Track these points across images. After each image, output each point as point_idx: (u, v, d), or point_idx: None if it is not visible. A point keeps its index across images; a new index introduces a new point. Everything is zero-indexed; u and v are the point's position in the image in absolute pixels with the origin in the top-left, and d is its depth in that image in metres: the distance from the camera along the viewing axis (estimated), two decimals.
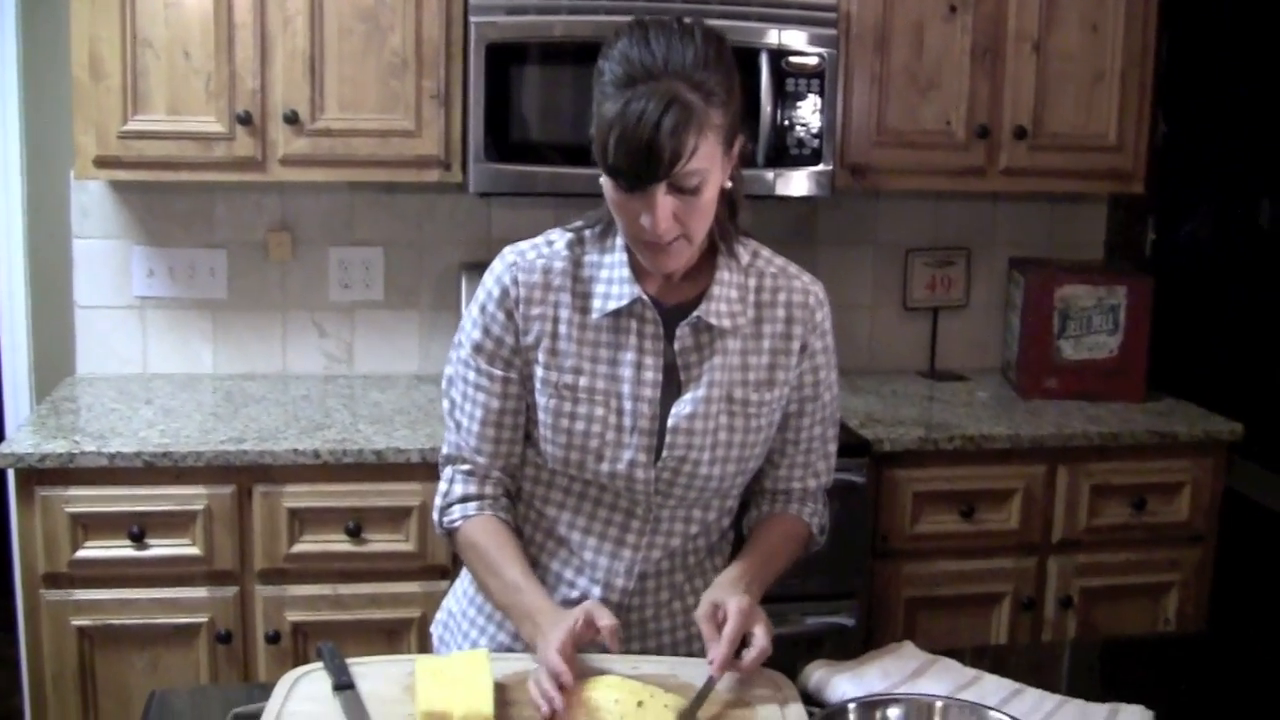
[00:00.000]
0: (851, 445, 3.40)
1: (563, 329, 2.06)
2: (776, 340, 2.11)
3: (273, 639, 3.25)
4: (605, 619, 1.91)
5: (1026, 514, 3.58)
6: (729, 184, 1.99)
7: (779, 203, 3.95)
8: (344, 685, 1.91)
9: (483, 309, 2.09)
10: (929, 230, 4.24)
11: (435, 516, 2.17)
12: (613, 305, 2.04)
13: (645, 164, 1.85)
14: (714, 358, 2.07)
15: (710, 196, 1.94)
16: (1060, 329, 3.91)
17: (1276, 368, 6.63)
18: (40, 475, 3.13)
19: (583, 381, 2.05)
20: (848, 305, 4.17)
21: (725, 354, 2.07)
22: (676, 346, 2.05)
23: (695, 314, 2.05)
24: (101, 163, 3.40)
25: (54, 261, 3.82)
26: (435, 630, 2.38)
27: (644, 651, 2.14)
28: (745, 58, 3.41)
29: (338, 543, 3.25)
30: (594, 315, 2.05)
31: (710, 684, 1.90)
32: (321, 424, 3.42)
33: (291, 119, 3.42)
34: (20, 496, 3.15)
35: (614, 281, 2.04)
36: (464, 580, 2.32)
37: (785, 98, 3.51)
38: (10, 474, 3.19)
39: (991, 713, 1.81)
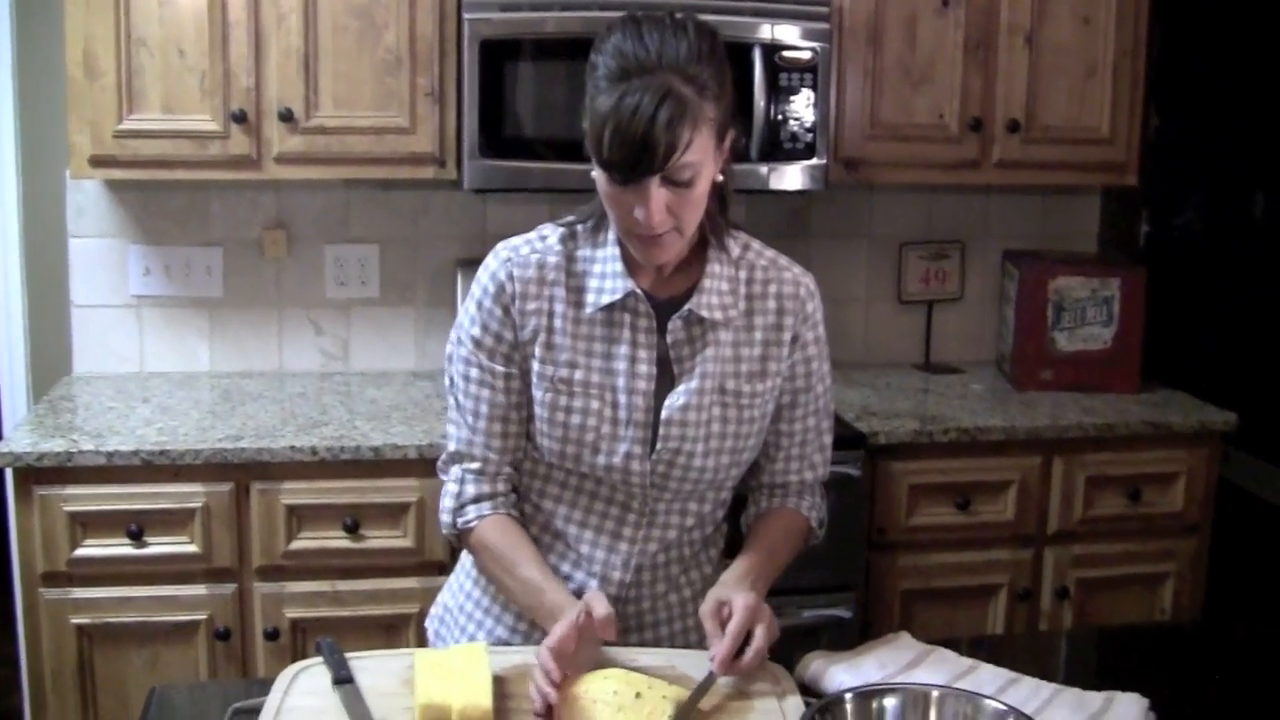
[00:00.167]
0: (847, 438, 3.41)
1: (557, 323, 2.07)
2: (768, 332, 2.12)
3: (271, 636, 3.26)
4: (600, 608, 1.92)
5: (1022, 505, 3.60)
6: (720, 177, 2.00)
7: (773, 197, 3.97)
8: (343, 679, 1.92)
9: (480, 305, 2.10)
10: (923, 223, 4.25)
11: (446, 518, 2.16)
12: (606, 299, 2.05)
13: (640, 157, 1.86)
14: (706, 350, 2.08)
15: (703, 189, 1.95)
16: (1054, 321, 3.92)
17: (1270, 358, 6.65)
18: (38, 474, 3.13)
19: (578, 375, 2.06)
20: (842, 299, 4.18)
21: (717, 346, 2.08)
22: (669, 339, 2.07)
23: (687, 307, 2.06)
24: (97, 162, 3.41)
25: (50, 261, 3.83)
26: (431, 625, 2.38)
27: (641, 643, 2.15)
28: (738, 52, 3.42)
29: (335, 539, 3.26)
30: (588, 309, 2.06)
31: (710, 679, 1.91)
32: (318, 421, 3.43)
33: (286, 117, 3.43)
34: (18, 495, 3.16)
35: (607, 276, 2.05)
36: (459, 574, 2.33)
37: (778, 92, 3.52)
38: (8, 473, 3.20)
39: (987, 701, 1.82)
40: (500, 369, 2.09)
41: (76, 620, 3.19)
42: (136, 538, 3.17)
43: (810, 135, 3.56)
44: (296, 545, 3.25)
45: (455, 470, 2.16)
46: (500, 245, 2.12)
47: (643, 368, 2.06)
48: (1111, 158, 3.88)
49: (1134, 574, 3.72)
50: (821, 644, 2.13)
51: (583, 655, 1.90)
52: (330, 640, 2.01)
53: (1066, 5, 3.78)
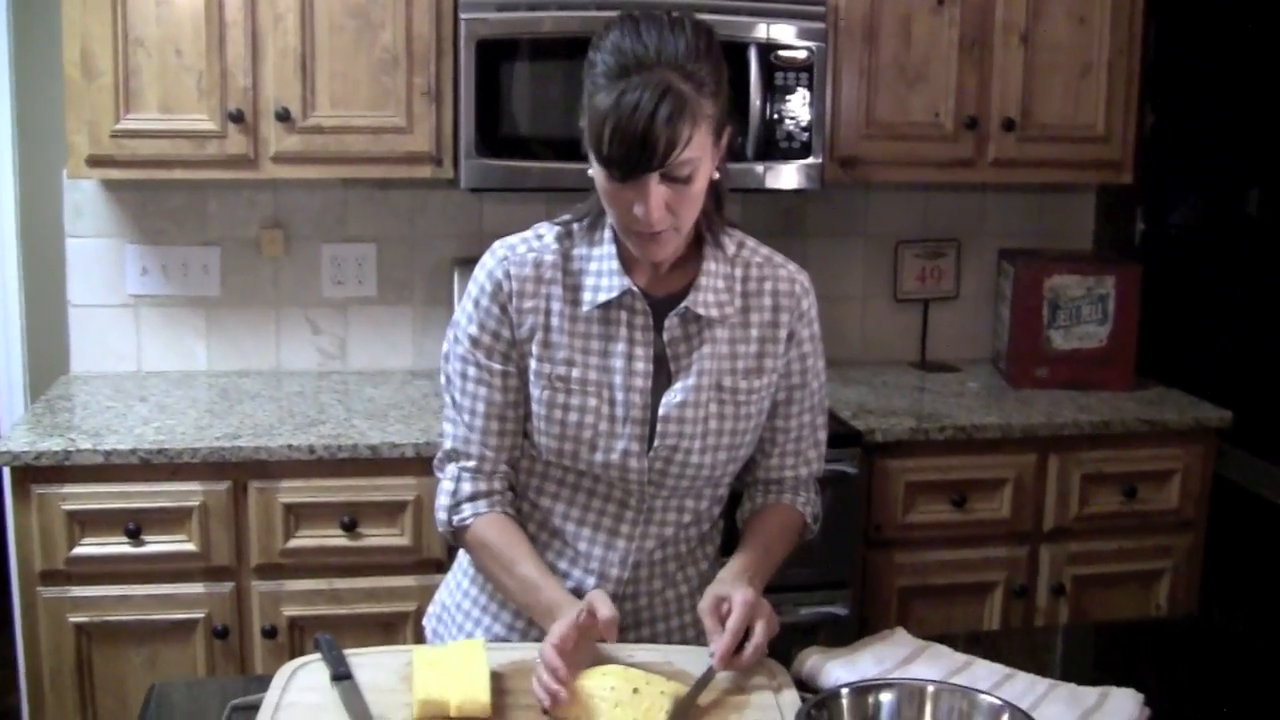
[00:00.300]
0: (844, 436, 3.42)
1: (555, 321, 2.08)
2: (764, 329, 2.13)
3: (269, 634, 3.27)
4: (604, 610, 1.92)
5: (1018, 503, 3.60)
6: (716, 175, 2.01)
7: (769, 196, 3.97)
8: (342, 676, 1.92)
9: (476, 304, 2.10)
10: (919, 222, 4.26)
11: (442, 515, 2.17)
12: (603, 297, 2.05)
13: (640, 154, 1.86)
14: (703, 347, 2.09)
15: (701, 186, 1.96)
16: (1050, 319, 3.93)
17: (1265, 356, 6.66)
18: (36, 473, 3.14)
19: (575, 373, 2.07)
20: (839, 297, 4.19)
21: (714, 343, 2.09)
22: (666, 337, 2.07)
23: (683, 304, 2.07)
24: (94, 161, 3.41)
25: (47, 260, 3.83)
26: (428, 623, 2.39)
27: (638, 640, 2.16)
28: (734, 52, 3.42)
29: (333, 537, 3.27)
30: (584, 307, 2.07)
31: (710, 674, 1.92)
32: (316, 420, 3.43)
33: (283, 116, 3.43)
34: (16, 494, 3.16)
35: (603, 274, 2.06)
36: (457, 572, 2.34)
37: (774, 91, 3.53)
38: (6, 472, 3.21)
39: (983, 697, 1.82)
40: (497, 367, 2.10)
41: (75, 619, 3.20)
42: (134, 536, 3.18)
43: (806, 134, 3.57)
44: (294, 544, 3.26)
45: (451, 468, 2.16)
46: (497, 244, 2.13)
47: (640, 365, 2.07)
48: (1106, 156, 3.89)
49: (1130, 571, 3.73)
50: (818, 641, 2.14)
51: (580, 653, 1.91)
52: (329, 637, 2.02)
53: (1061, 4, 3.79)
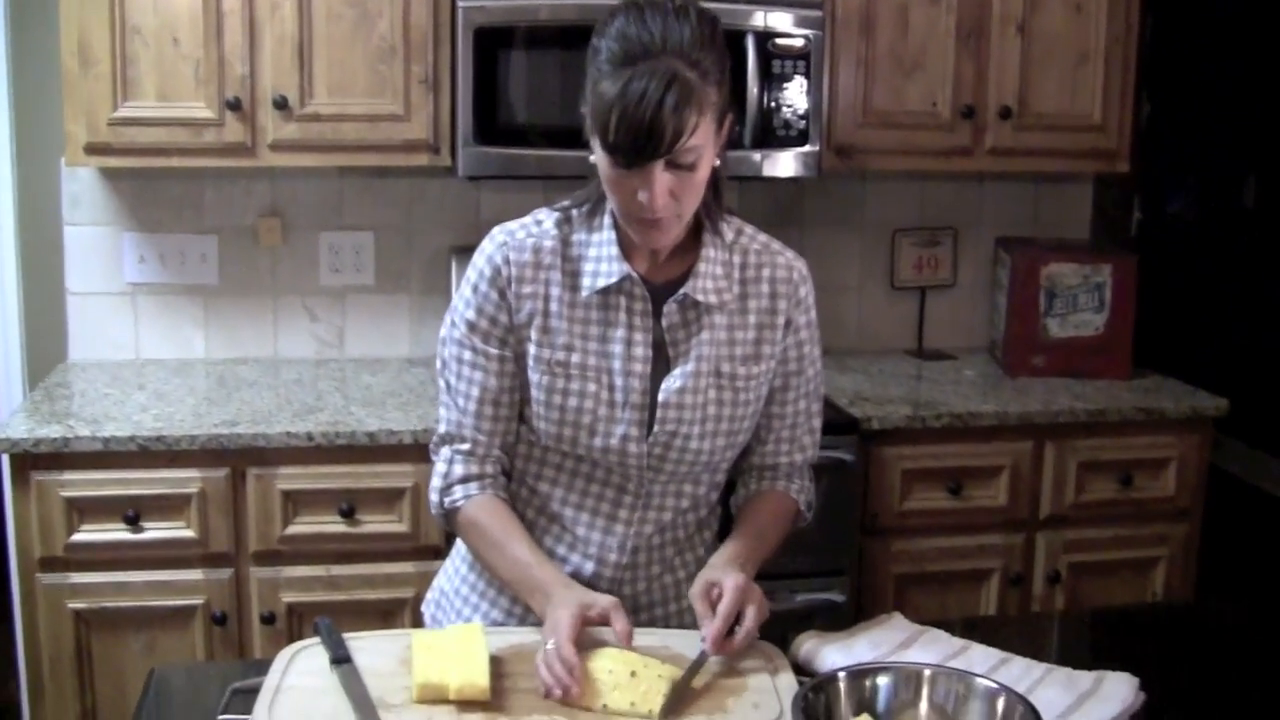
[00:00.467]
0: (840, 423, 3.43)
1: (554, 307, 2.08)
2: (762, 315, 2.14)
3: (268, 620, 3.28)
4: (620, 624, 1.93)
5: (1014, 490, 3.61)
6: (716, 162, 2.02)
7: (766, 184, 3.98)
8: (341, 659, 1.93)
9: (475, 289, 2.11)
10: (915, 210, 4.27)
11: (434, 497, 2.18)
12: (602, 283, 2.06)
13: (647, 142, 1.87)
14: (701, 333, 2.09)
15: (704, 174, 1.97)
16: (1046, 307, 3.94)
17: (1261, 345, 6.68)
18: (35, 460, 3.15)
19: (574, 358, 2.07)
20: (835, 286, 4.19)
21: (712, 330, 2.10)
22: (664, 323, 2.08)
23: (682, 291, 2.08)
24: (92, 150, 3.41)
25: (45, 249, 3.83)
26: (427, 609, 2.40)
27: (636, 625, 2.16)
28: (732, 40, 3.39)
29: (331, 524, 3.28)
30: (583, 293, 2.07)
31: (702, 658, 1.93)
32: (314, 407, 3.44)
33: (281, 104, 3.43)
34: (15, 482, 3.17)
35: (603, 259, 2.07)
36: (455, 558, 2.35)
37: (771, 79, 3.53)
38: (5, 459, 3.22)
39: (979, 680, 1.83)
40: (494, 352, 2.11)
41: (74, 605, 3.20)
42: (133, 523, 3.19)
43: (803, 122, 3.58)
44: (292, 530, 3.27)
45: (445, 451, 2.17)
46: (496, 229, 2.14)
47: (639, 351, 2.07)
48: (1103, 145, 3.90)
49: (1125, 559, 3.74)
50: (814, 628, 2.15)
51: (580, 637, 1.92)
52: (328, 621, 2.03)
53: None
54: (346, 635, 2.00)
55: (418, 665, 1.86)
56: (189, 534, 3.22)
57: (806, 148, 3.60)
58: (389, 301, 3.99)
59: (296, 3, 3.41)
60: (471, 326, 2.11)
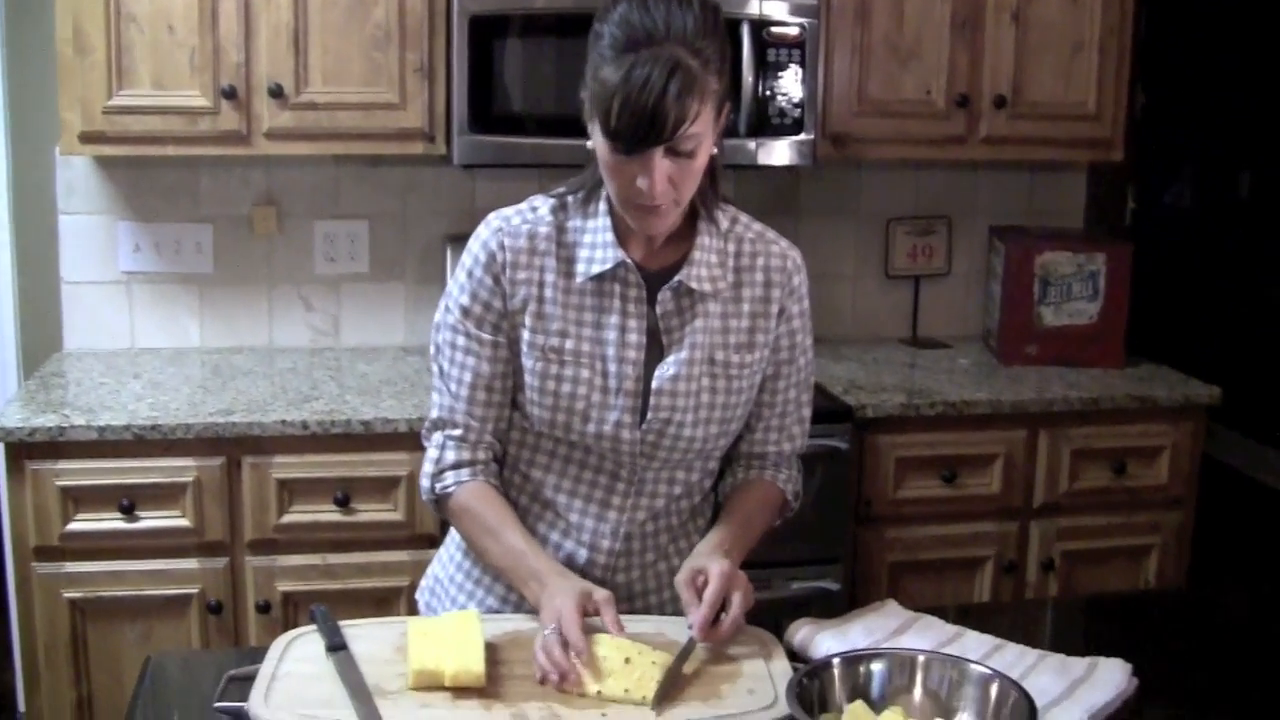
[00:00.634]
0: (834, 411, 3.44)
1: (548, 293, 2.09)
2: (755, 304, 2.14)
3: (263, 609, 3.28)
4: (610, 618, 1.94)
5: (1008, 479, 3.62)
6: (714, 150, 2.02)
7: (761, 172, 3.98)
8: (337, 646, 1.93)
9: (470, 274, 2.11)
10: (910, 199, 4.27)
11: (425, 483, 2.18)
12: (597, 269, 2.06)
13: (649, 128, 1.88)
14: (695, 321, 2.10)
15: (702, 161, 1.97)
16: (1040, 296, 3.94)
17: (1254, 334, 6.69)
18: (30, 449, 3.15)
19: (568, 344, 2.08)
20: (830, 274, 4.20)
21: (706, 317, 2.10)
22: (658, 310, 2.08)
23: (676, 278, 2.08)
24: (86, 138, 3.41)
25: (40, 238, 3.83)
26: (421, 597, 2.40)
27: (630, 612, 2.17)
28: (727, 28, 3.41)
29: (326, 513, 3.28)
30: (578, 279, 2.08)
31: (691, 644, 1.94)
32: (309, 396, 3.44)
33: (276, 93, 3.43)
34: (10, 470, 3.17)
35: (598, 246, 2.07)
36: (449, 546, 2.35)
37: (767, 68, 3.53)
38: (0, 448, 3.21)
39: (973, 666, 1.84)
40: (488, 337, 2.11)
41: (69, 594, 3.21)
42: (128, 512, 3.19)
43: (798, 111, 3.58)
44: (288, 519, 3.27)
45: (437, 436, 2.18)
46: (491, 215, 2.14)
47: (633, 337, 2.08)
48: (1097, 134, 3.90)
49: (1119, 547, 3.75)
50: (809, 615, 2.15)
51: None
52: (323, 608, 2.03)
53: None
54: (342, 623, 2.01)
55: (413, 652, 1.86)
56: (184, 523, 3.23)
57: (801, 136, 3.60)
58: (384, 290, 4.00)
59: None
60: (466, 312, 2.11)
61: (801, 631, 2.06)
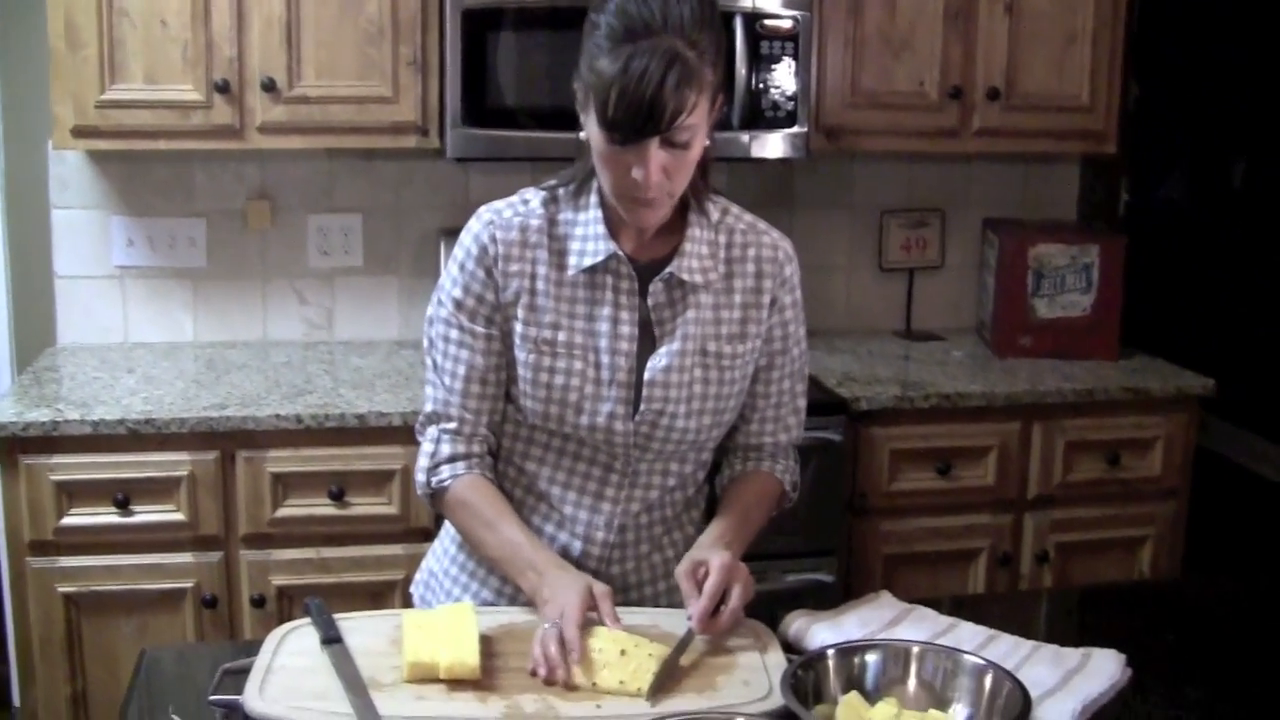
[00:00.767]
0: (828, 404, 3.44)
1: (540, 285, 2.09)
2: (747, 294, 2.15)
3: (258, 603, 3.28)
4: (606, 610, 1.95)
5: (1002, 470, 3.63)
6: (707, 142, 2.02)
7: (754, 165, 3.98)
8: (332, 639, 1.93)
9: (462, 267, 2.11)
10: (903, 191, 4.27)
11: (421, 477, 2.18)
12: (588, 261, 2.07)
13: (647, 119, 1.88)
14: (687, 312, 2.10)
15: (697, 152, 1.98)
16: (1034, 288, 3.95)
17: (1247, 326, 6.70)
18: (24, 444, 3.14)
19: (561, 336, 2.08)
20: (824, 267, 4.20)
21: (698, 309, 2.11)
22: (650, 302, 2.09)
23: (668, 270, 2.08)
24: (79, 133, 3.41)
25: (33, 232, 3.83)
26: (416, 590, 2.40)
27: (626, 604, 2.17)
28: (721, 21, 3.42)
29: (321, 506, 3.28)
30: (570, 271, 2.08)
31: (689, 636, 1.94)
32: (303, 389, 3.44)
33: (269, 86, 3.43)
34: (4, 465, 3.16)
35: (589, 238, 2.07)
36: (444, 539, 2.35)
37: (760, 60, 3.53)
38: None
39: (967, 657, 1.85)
40: (481, 330, 2.11)
41: (64, 589, 3.21)
42: (123, 506, 3.19)
43: (791, 103, 3.58)
44: (282, 513, 3.27)
45: (432, 430, 2.18)
46: (482, 208, 2.14)
47: (625, 329, 2.08)
48: (1091, 126, 3.90)
49: (1113, 538, 3.75)
50: (804, 607, 2.16)
51: None
52: (318, 601, 2.03)
53: None
54: (337, 616, 2.01)
55: (408, 645, 1.87)
56: (179, 517, 3.23)
57: (795, 129, 3.60)
58: (378, 284, 3.99)
59: None
60: (458, 305, 2.11)
61: (796, 623, 2.06)
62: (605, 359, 2.08)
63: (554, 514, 2.18)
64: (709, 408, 2.12)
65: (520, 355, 2.09)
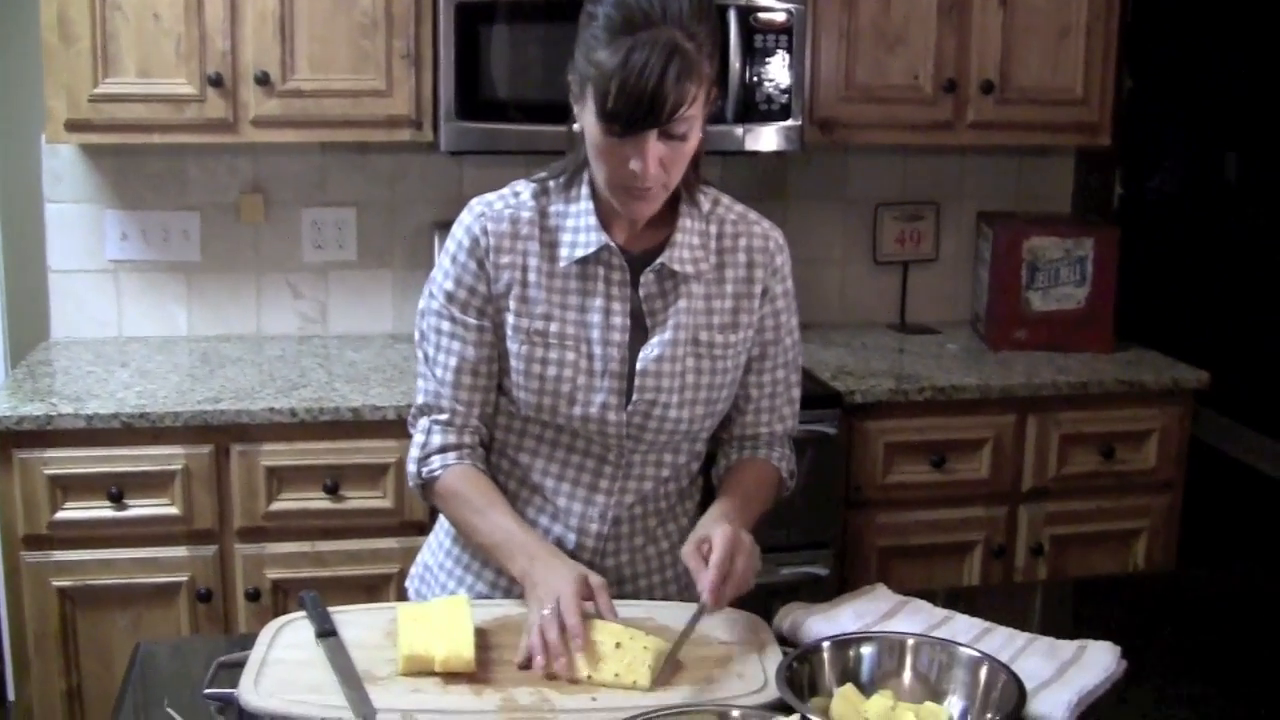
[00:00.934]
0: (823, 397, 3.44)
1: (532, 277, 2.09)
2: (739, 284, 2.15)
3: (253, 596, 3.28)
4: (603, 602, 1.94)
5: (997, 463, 3.63)
6: (701, 133, 2.02)
7: (749, 158, 3.98)
8: (327, 632, 1.93)
9: (454, 259, 2.11)
10: (898, 184, 4.27)
11: (412, 468, 2.18)
12: (580, 253, 2.07)
13: (648, 111, 1.88)
14: (679, 302, 2.10)
15: (693, 144, 1.98)
16: (1028, 281, 3.95)
17: (1241, 318, 6.71)
18: (18, 438, 3.14)
19: (553, 327, 2.08)
20: (818, 260, 4.20)
21: (690, 299, 2.11)
22: (642, 293, 2.09)
23: (659, 260, 2.08)
24: (72, 126, 3.40)
25: (27, 226, 3.82)
26: (411, 584, 2.40)
27: (620, 596, 2.16)
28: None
29: (316, 500, 3.28)
30: (561, 263, 2.08)
31: (700, 613, 1.92)
32: (297, 383, 3.44)
33: (262, 80, 3.42)
34: None
35: (580, 230, 2.07)
36: (439, 533, 2.35)
37: (754, 54, 3.53)
38: None
39: (962, 649, 1.85)
40: (472, 322, 2.11)
41: (58, 583, 3.20)
42: (117, 500, 3.19)
43: (785, 97, 3.58)
44: (277, 506, 3.27)
45: (423, 421, 2.18)
46: (473, 201, 2.14)
47: (617, 320, 2.08)
48: (1085, 119, 3.90)
49: (1108, 530, 3.76)
50: (798, 600, 2.16)
51: None
52: (313, 594, 2.03)
53: None
54: (332, 609, 2.00)
55: (403, 637, 1.86)
56: (173, 511, 3.22)
57: (789, 122, 3.60)
58: (372, 277, 3.99)
59: None
60: (450, 297, 2.11)
61: (791, 616, 2.06)
62: (597, 350, 2.08)
63: (548, 506, 2.18)
64: (701, 397, 2.12)
65: (512, 347, 2.09)
